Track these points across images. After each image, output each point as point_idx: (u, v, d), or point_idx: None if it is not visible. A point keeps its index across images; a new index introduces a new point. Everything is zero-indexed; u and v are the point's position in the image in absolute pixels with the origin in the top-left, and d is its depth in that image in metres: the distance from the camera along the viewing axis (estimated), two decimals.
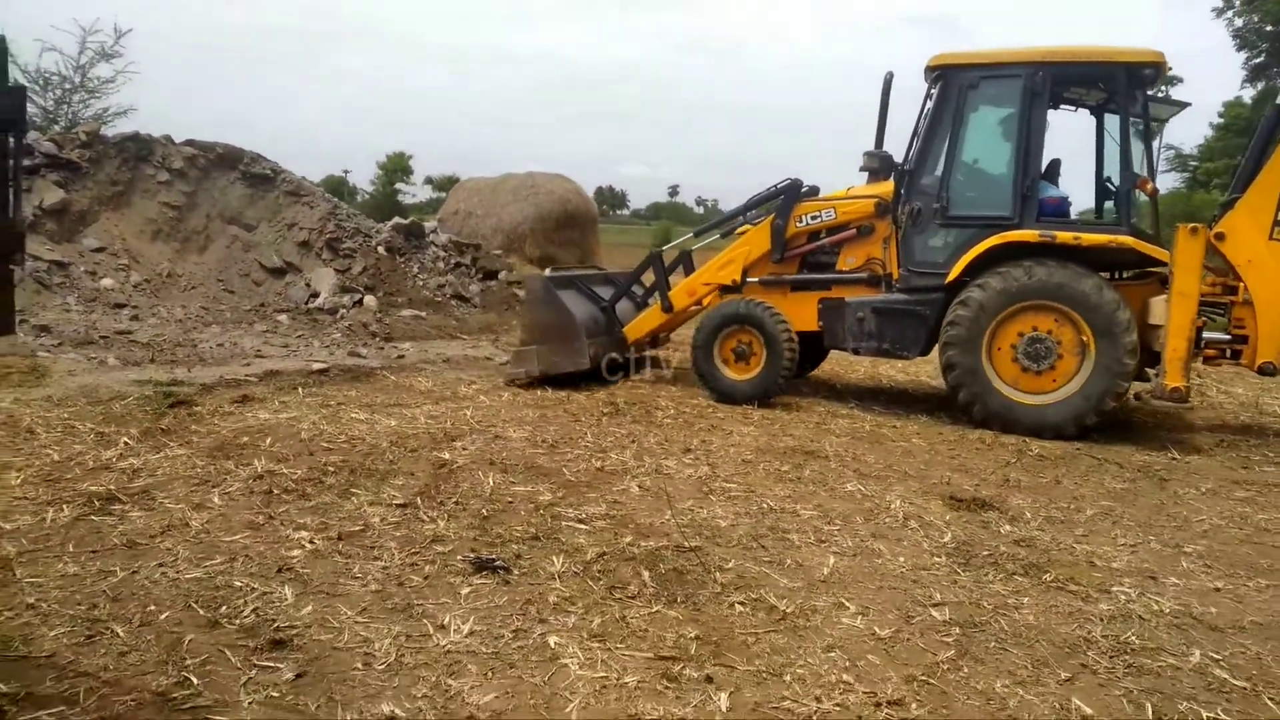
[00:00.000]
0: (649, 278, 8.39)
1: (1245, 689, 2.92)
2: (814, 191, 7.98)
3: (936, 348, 7.05)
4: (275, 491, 4.37)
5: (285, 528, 3.90)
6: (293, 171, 14.36)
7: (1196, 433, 7.06)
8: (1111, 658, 3.09)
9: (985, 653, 3.08)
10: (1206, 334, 6.46)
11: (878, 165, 7.77)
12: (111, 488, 4.29)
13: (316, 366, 7.93)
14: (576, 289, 8.17)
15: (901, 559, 3.93)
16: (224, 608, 3.08)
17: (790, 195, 7.86)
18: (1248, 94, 34.34)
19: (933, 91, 7.25)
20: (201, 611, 3.05)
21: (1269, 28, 29.54)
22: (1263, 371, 6.38)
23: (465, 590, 3.34)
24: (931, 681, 2.86)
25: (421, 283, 13.56)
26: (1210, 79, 52.21)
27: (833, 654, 3.00)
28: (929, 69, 7.24)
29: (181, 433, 5.40)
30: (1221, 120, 37.67)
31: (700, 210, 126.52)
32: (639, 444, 5.76)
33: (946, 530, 4.33)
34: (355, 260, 13.32)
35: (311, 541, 3.74)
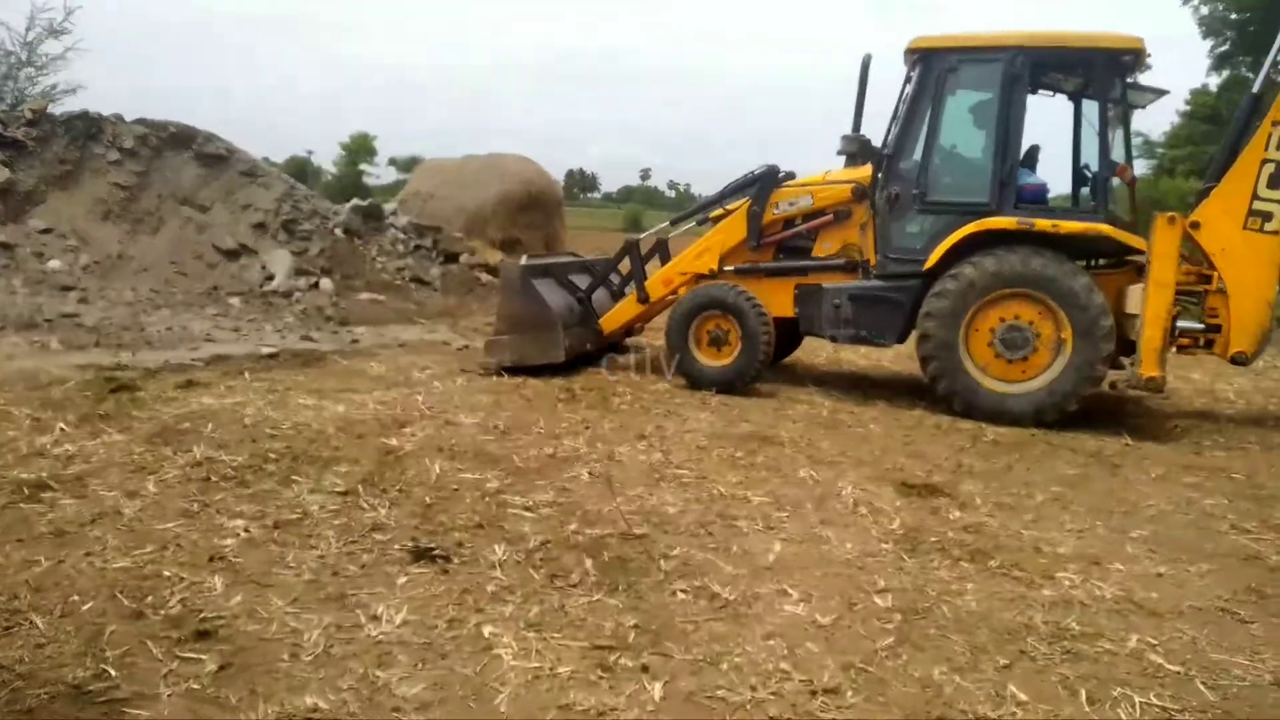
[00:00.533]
0: (627, 266, 8.29)
1: (1179, 673, 2.93)
2: (790, 177, 7.89)
3: (913, 335, 7.03)
4: (213, 479, 4.26)
5: (221, 516, 3.80)
6: (248, 151, 14.08)
7: (1151, 418, 7.13)
8: (1050, 644, 3.09)
9: (925, 640, 3.06)
10: (1180, 323, 6.49)
11: (855, 149, 7.71)
12: (44, 475, 4.15)
13: (266, 351, 7.77)
14: (553, 278, 8.04)
15: (849, 545, 3.92)
16: (150, 598, 2.99)
17: (766, 181, 7.77)
18: (1214, 82, 34.78)
19: (912, 75, 7.19)
20: (126, 602, 2.96)
21: (1234, 16, 29.88)
22: (1235, 361, 6.45)
23: (402, 580, 3.27)
24: (869, 669, 2.84)
25: (380, 265, 13.37)
26: (1177, 67, 52.83)
27: (772, 642, 2.97)
28: (908, 51, 7.18)
29: (121, 418, 5.25)
30: (1188, 108, 38.14)
31: (672, 194, 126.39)
32: (593, 430, 5.70)
33: (896, 516, 4.32)
34: (312, 242, 13.09)
35: (247, 530, 3.65)
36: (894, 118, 7.24)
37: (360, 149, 73.66)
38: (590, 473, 4.73)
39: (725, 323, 7.35)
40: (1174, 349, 6.54)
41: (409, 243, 14.54)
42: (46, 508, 3.78)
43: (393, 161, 76.83)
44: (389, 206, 15.87)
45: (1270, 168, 6.27)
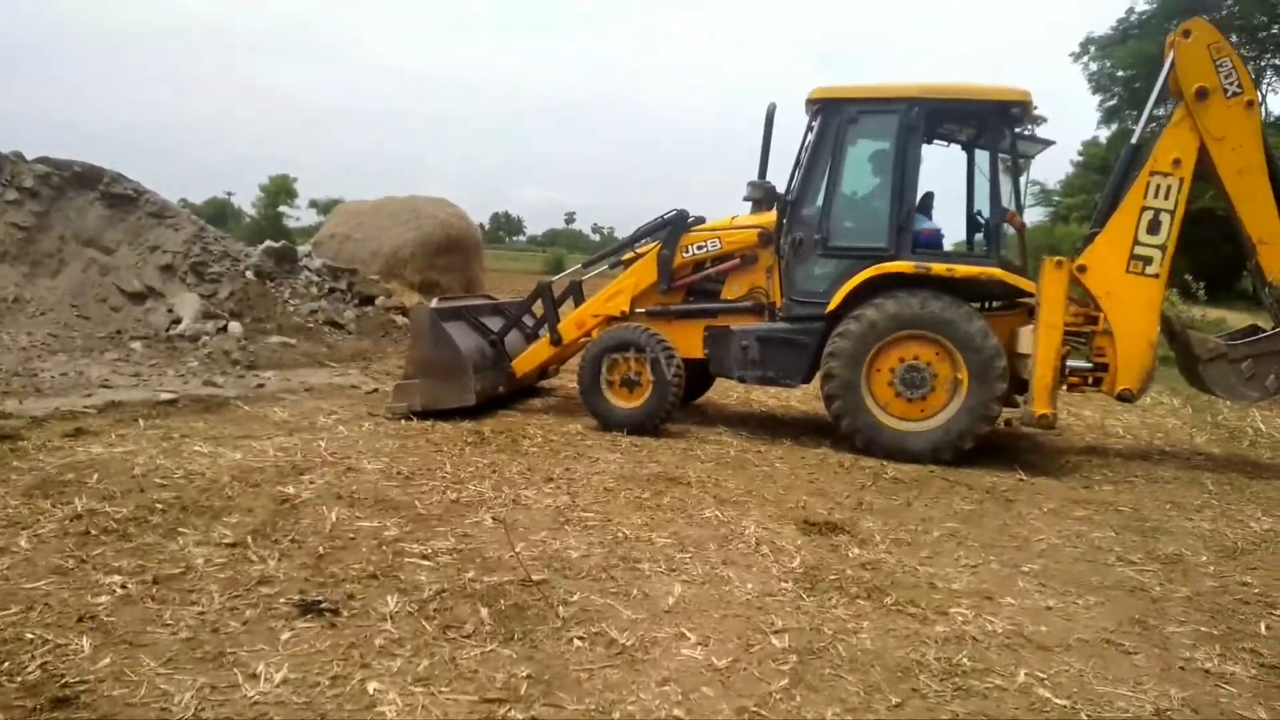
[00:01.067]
0: (540, 308, 8.29)
1: (1065, 707, 3.00)
2: (700, 221, 8.02)
3: (818, 376, 7.16)
4: (93, 532, 4.06)
5: (97, 572, 3.62)
6: (158, 192, 13.70)
7: (1044, 454, 7.37)
8: (942, 680, 3.13)
9: (820, 680, 3.08)
10: (1070, 362, 6.76)
11: (761, 195, 7.88)
12: None
13: (165, 397, 7.49)
14: (464, 320, 7.96)
15: (749, 585, 3.92)
16: (6, 663, 2.82)
17: (676, 226, 7.89)
18: (1104, 134, 36.73)
19: (813, 124, 7.41)
20: None
21: (1120, 73, 31.68)
22: (1122, 398, 6.71)
23: (286, 635, 3.15)
24: (763, 713, 2.83)
25: (293, 308, 13.07)
26: (1070, 119, 55.62)
27: (667, 688, 2.95)
28: (810, 101, 7.40)
29: None
30: (1081, 158, 40.12)
31: (596, 237, 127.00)
32: (500, 474, 5.63)
33: (796, 555, 4.36)
34: (222, 285, 12.75)
35: (124, 586, 3.48)
36: (796, 165, 7.44)
37: (280, 190, 72.32)
38: (493, 518, 4.66)
39: (636, 364, 7.39)
40: (1064, 387, 6.79)
41: (323, 285, 14.28)
42: None
43: (313, 204, 75.68)
44: (303, 248, 15.58)
45: (1149, 215, 6.61)
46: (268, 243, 14.76)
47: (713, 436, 7.34)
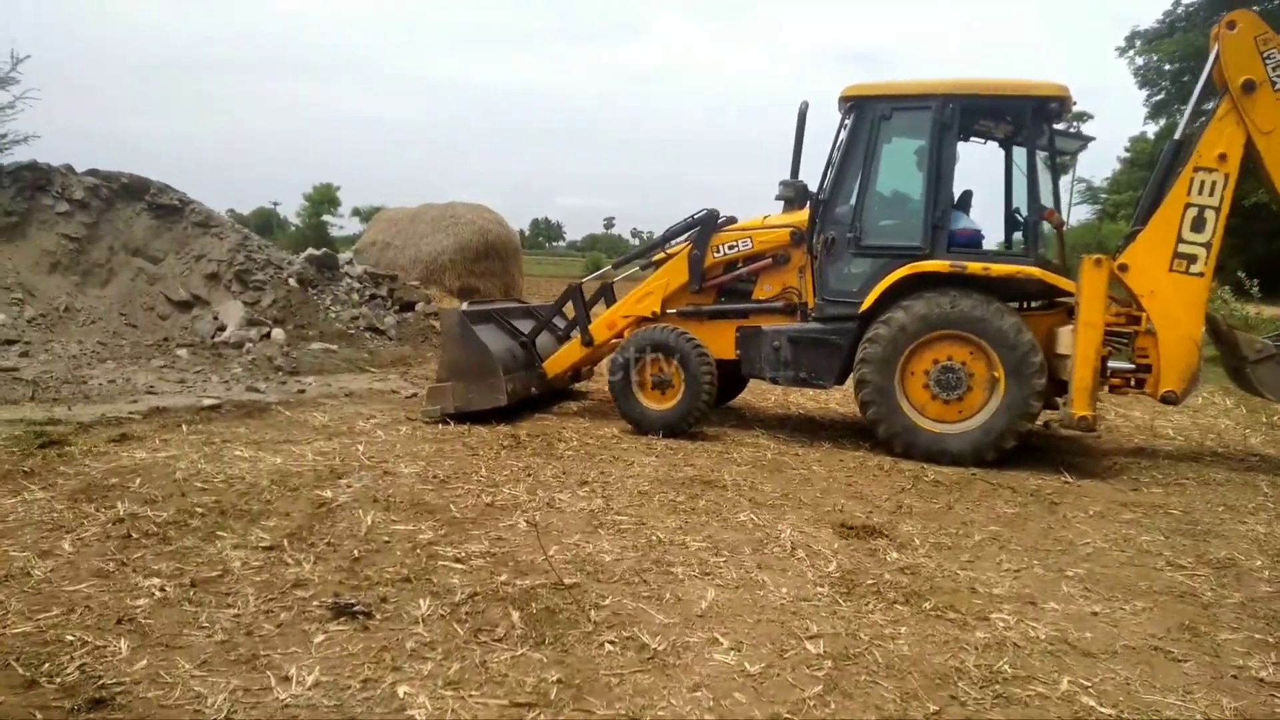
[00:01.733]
0: (572, 310, 8.29)
1: (1111, 716, 2.91)
2: (731, 221, 7.97)
3: (851, 377, 7.08)
4: (134, 536, 4.12)
5: (136, 575, 3.67)
6: (203, 203, 13.96)
7: (1091, 456, 7.19)
8: (982, 688, 3.05)
9: (855, 687, 3.01)
10: (1112, 363, 6.60)
11: (793, 194, 7.78)
12: None
13: (207, 402, 7.61)
14: (495, 323, 8.02)
15: (784, 590, 3.87)
16: (47, 665, 2.86)
17: (707, 226, 7.84)
18: (1151, 129, 35.92)
19: (846, 122, 7.31)
20: (20, 670, 2.82)
21: (1167, 66, 30.96)
22: (1165, 400, 6.53)
23: (319, 638, 3.17)
24: (796, 719, 2.78)
25: (334, 315, 13.24)
26: (1117, 115, 54.49)
27: (698, 693, 2.91)
28: (843, 99, 7.31)
29: (46, 475, 5.10)
30: (1128, 154, 39.30)
31: (635, 241, 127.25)
32: (534, 477, 5.62)
33: (833, 559, 4.29)
34: (265, 292, 12.95)
35: (162, 589, 3.52)
36: (829, 164, 7.36)
37: (323, 199, 73.53)
38: (527, 521, 4.65)
39: (668, 366, 7.36)
40: (1106, 389, 6.63)
41: (364, 292, 14.44)
42: None
43: (356, 212, 76.86)
44: (344, 256, 15.78)
45: (1193, 212, 6.43)
46: (310, 250, 14.98)
47: (749, 439, 7.28)
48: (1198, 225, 6.42)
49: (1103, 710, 2.94)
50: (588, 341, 8.06)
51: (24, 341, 10.28)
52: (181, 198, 13.71)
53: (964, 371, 6.64)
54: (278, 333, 11.93)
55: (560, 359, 8.23)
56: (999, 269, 6.69)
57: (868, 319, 6.96)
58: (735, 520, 4.88)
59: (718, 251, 7.78)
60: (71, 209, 12.59)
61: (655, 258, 8.22)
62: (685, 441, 7.02)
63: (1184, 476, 6.50)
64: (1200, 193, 6.42)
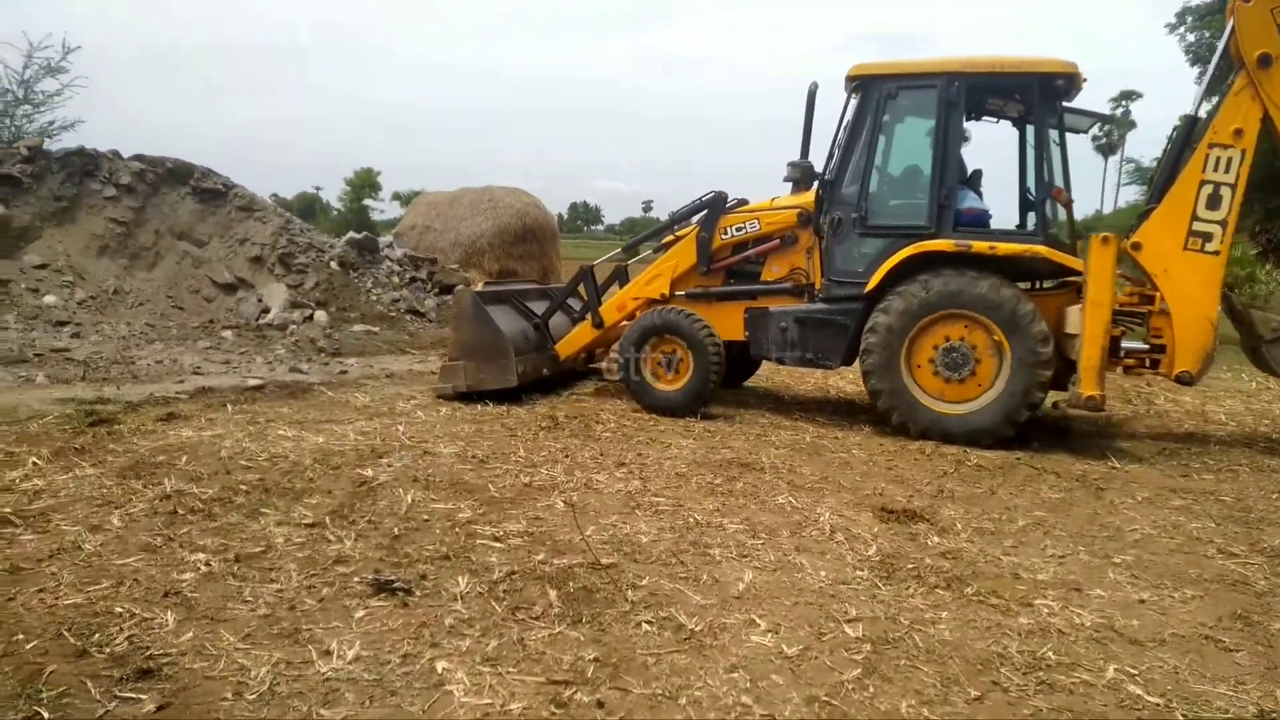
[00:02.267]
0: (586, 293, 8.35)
1: (1159, 705, 2.84)
2: (741, 203, 7.97)
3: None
4: (180, 512, 4.20)
5: (183, 550, 3.74)
6: (246, 186, 14.15)
7: (1139, 441, 7.04)
8: (1025, 674, 3.00)
9: (894, 671, 2.98)
10: (1126, 343, 6.48)
11: (800, 175, 7.67)
12: (7, 510, 4.10)
13: (252, 383, 7.73)
14: (509, 304, 8.08)
15: (823, 573, 3.83)
16: (97, 635, 2.92)
17: (714, 208, 7.84)
18: (1205, 108, 34.96)
19: (851, 101, 7.26)
20: (72, 640, 2.89)
21: (1219, 42, 30.08)
22: (1180, 380, 6.38)
23: (360, 614, 3.20)
24: (834, 702, 2.75)
25: (375, 297, 13.38)
26: (1167, 93, 53.14)
27: (735, 674, 2.89)
28: (849, 79, 7.24)
29: (96, 452, 5.21)
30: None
31: None
32: (572, 458, 5.63)
33: (872, 543, 4.24)
34: (308, 275, 13.12)
35: (207, 564, 3.58)
36: (835, 144, 7.31)
37: (364, 184, 74.19)
38: (564, 502, 4.66)
39: (676, 347, 7.42)
40: (1120, 369, 6.54)
41: (404, 274, 14.58)
42: (5, 543, 3.72)
43: (396, 196, 77.49)
44: (385, 239, 15.91)
45: (1209, 189, 6.27)
46: (351, 234, 15.13)
47: (787, 422, 7.23)
48: (1213, 202, 6.25)
49: (1150, 699, 2.87)
50: (598, 323, 8.13)
51: (75, 323, 10.51)
52: (225, 182, 13.92)
53: (965, 346, 6.64)
54: (320, 315, 12.09)
55: (572, 340, 8.31)
56: (1004, 248, 6.60)
57: (874, 299, 6.92)
58: (773, 502, 4.85)
59: (725, 233, 7.80)
60: (119, 193, 12.82)
61: (664, 240, 8.23)
62: (723, 424, 6.99)
63: (1236, 462, 6.34)
64: (1216, 169, 6.25)
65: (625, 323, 8.01)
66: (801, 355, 7.34)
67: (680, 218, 8.13)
